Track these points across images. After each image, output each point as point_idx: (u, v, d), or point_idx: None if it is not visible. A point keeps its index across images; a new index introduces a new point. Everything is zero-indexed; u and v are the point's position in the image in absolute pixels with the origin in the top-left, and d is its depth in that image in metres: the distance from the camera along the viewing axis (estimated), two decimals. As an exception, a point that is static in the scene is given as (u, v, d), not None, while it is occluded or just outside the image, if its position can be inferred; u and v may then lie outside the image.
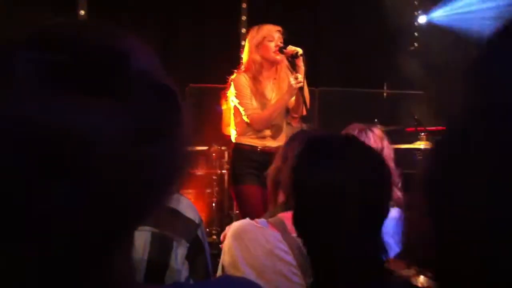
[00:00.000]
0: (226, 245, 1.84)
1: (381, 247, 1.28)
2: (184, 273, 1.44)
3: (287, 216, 1.82)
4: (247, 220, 1.92)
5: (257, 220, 1.90)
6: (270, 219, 1.89)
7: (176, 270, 1.42)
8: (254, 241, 1.82)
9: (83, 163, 0.54)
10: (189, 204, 1.55)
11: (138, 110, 0.57)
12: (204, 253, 1.54)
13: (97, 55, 0.56)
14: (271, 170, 2.00)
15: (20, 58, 0.54)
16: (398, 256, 1.49)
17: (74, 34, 0.59)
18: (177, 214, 1.47)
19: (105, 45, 0.57)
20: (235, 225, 1.89)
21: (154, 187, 0.60)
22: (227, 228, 1.94)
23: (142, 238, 1.39)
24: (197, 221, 1.52)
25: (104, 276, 0.60)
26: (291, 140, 2.05)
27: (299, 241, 1.78)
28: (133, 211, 0.60)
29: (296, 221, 1.32)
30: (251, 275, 1.75)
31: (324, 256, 1.27)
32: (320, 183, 1.24)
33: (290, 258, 1.80)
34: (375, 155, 1.31)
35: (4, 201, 0.54)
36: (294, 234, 1.78)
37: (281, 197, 1.94)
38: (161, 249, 1.41)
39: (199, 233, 1.52)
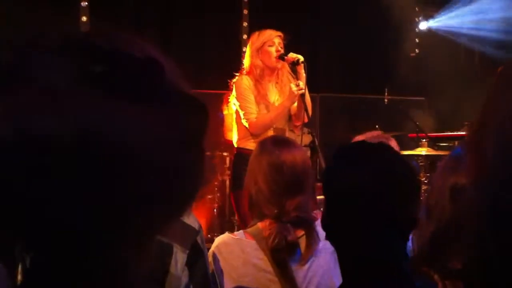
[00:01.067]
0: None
1: (405, 254, 1.28)
2: (184, 279, 1.44)
3: (264, 224, 1.89)
4: (226, 234, 1.98)
5: (235, 232, 1.96)
6: (247, 229, 1.94)
7: (176, 276, 1.43)
8: (231, 253, 1.86)
9: (128, 169, 0.55)
10: (189, 211, 1.55)
11: (175, 119, 0.58)
12: (204, 260, 1.55)
13: (133, 64, 0.57)
14: (244, 186, 2.02)
15: (63, 66, 0.55)
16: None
17: (108, 44, 0.60)
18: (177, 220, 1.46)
19: (138, 55, 0.58)
20: (217, 240, 1.95)
21: (185, 193, 0.62)
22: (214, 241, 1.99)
23: None
24: (196, 228, 1.52)
25: (120, 278, 0.61)
26: (255, 155, 2.06)
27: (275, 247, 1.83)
28: (162, 216, 0.61)
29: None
30: (231, 285, 1.79)
31: (351, 259, 1.27)
32: (349, 186, 1.25)
33: (266, 265, 1.84)
34: (407, 164, 1.31)
35: (47, 201, 0.55)
36: (270, 241, 1.82)
37: (253, 211, 1.97)
38: (160, 256, 1.41)
39: (198, 239, 1.52)
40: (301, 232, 1.89)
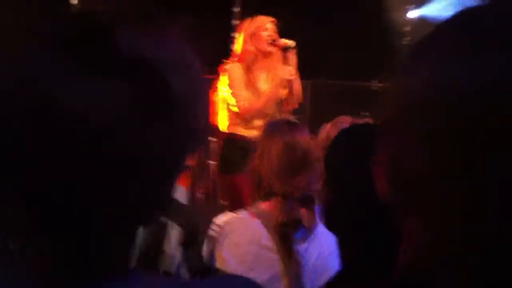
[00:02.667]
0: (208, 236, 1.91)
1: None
2: (178, 258, 1.45)
3: (267, 204, 1.95)
4: (228, 213, 2.02)
5: (237, 212, 2.00)
6: (250, 209, 1.98)
7: (170, 255, 1.44)
8: (234, 231, 1.90)
9: (91, 141, 0.54)
10: (183, 190, 1.56)
11: (140, 89, 0.56)
12: (198, 239, 1.56)
13: (89, 35, 0.56)
14: (251, 167, 2.06)
15: (53, 56, 0.55)
16: None
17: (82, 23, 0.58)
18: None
19: (93, 25, 0.57)
20: (218, 218, 1.97)
21: (158, 169, 0.59)
22: (214, 220, 2.00)
23: None
24: (191, 208, 1.53)
25: (104, 264, 0.60)
26: (268, 135, 2.08)
27: (279, 226, 1.87)
28: (135, 198, 0.59)
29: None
30: (233, 263, 1.82)
31: (351, 245, 1.22)
32: (353, 174, 1.19)
33: (270, 243, 1.88)
34: None
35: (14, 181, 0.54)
36: (279, 217, 1.86)
37: (261, 191, 2.01)
38: (155, 234, 1.42)
39: (194, 219, 1.53)
40: (305, 211, 1.94)
